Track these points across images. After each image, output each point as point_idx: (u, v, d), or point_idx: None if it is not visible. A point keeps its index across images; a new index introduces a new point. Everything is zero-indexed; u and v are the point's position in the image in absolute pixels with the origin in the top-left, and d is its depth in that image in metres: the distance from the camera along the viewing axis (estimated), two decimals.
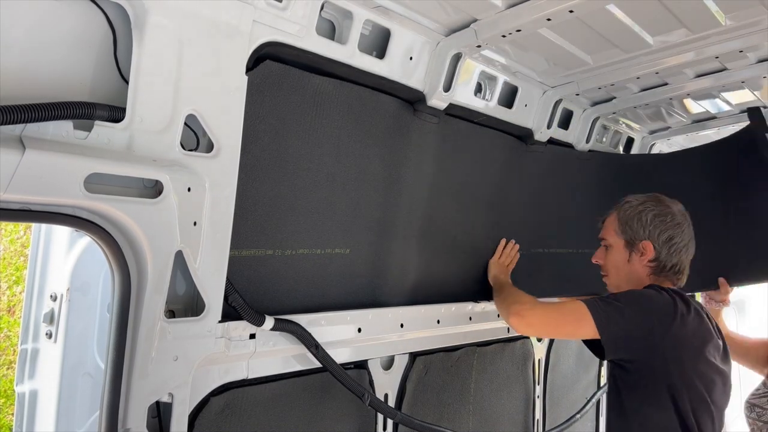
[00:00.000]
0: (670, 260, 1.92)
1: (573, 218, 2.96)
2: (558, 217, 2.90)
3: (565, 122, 2.70)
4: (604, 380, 3.47)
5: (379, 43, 1.87)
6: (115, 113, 1.30)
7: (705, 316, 1.86)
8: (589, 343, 2.07)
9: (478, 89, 2.25)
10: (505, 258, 2.61)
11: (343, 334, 1.95)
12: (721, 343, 1.87)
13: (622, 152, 3.22)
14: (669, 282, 1.95)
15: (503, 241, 2.63)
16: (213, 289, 1.53)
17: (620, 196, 2.72)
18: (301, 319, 1.79)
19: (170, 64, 1.35)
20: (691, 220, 1.98)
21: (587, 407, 3.17)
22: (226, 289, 1.56)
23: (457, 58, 1.97)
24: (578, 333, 1.90)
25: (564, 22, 1.76)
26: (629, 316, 1.76)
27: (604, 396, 3.48)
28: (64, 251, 2.50)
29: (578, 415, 3.08)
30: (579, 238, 2.94)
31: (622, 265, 2.00)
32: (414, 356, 2.26)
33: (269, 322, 1.67)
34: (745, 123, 2.97)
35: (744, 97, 2.72)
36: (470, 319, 2.47)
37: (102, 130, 1.28)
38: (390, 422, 2.17)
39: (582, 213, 2.96)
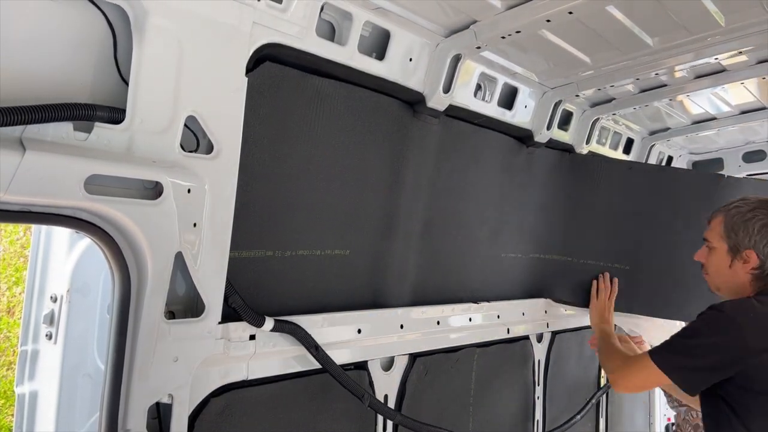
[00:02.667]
0: None
1: (574, 223, 2.95)
2: (558, 221, 2.90)
3: (565, 123, 2.70)
4: (604, 381, 3.47)
5: (378, 44, 1.87)
6: (115, 115, 1.30)
7: None
8: None
9: (478, 90, 2.25)
10: (602, 297, 2.68)
11: (343, 335, 1.95)
12: None
13: (621, 152, 3.22)
14: None
15: (595, 282, 2.73)
16: (213, 291, 1.53)
17: (620, 201, 2.75)
18: (301, 320, 1.79)
19: (170, 66, 1.35)
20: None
21: (587, 408, 3.16)
22: (226, 290, 1.56)
23: (457, 59, 1.97)
24: (660, 384, 1.99)
25: (563, 23, 1.76)
26: (695, 353, 1.77)
27: (604, 396, 3.49)
28: (64, 252, 2.50)
29: (578, 416, 3.07)
30: (581, 246, 2.91)
31: (724, 269, 1.98)
32: (414, 357, 2.26)
33: (269, 323, 1.67)
34: (744, 124, 2.99)
35: (744, 97, 2.72)
36: (470, 319, 2.47)
37: (102, 131, 1.28)
38: (390, 423, 2.17)
39: (583, 218, 2.95)
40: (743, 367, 1.71)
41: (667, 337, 1.90)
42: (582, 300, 2.80)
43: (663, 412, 3.99)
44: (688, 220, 2.77)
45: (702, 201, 2.75)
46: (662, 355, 1.83)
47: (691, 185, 2.85)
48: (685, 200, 2.84)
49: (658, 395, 3.93)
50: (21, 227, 6.27)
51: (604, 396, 3.49)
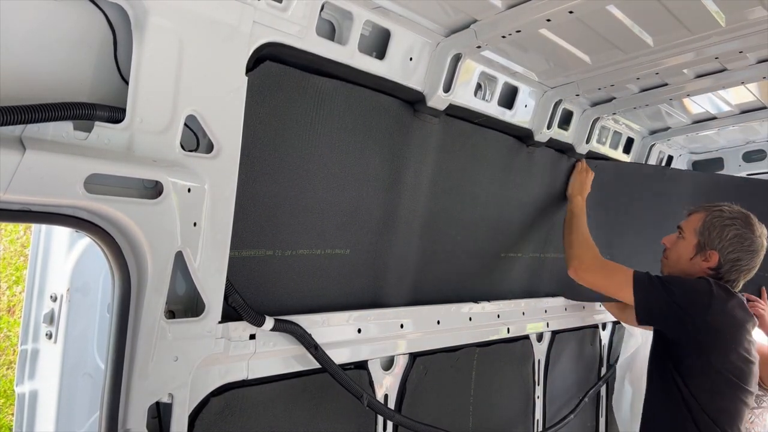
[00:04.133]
0: (728, 276, 2.08)
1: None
2: (558, 220, 2.90)
3: (565, 123, 2.70)
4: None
5: (379, 43, 1.87)
6: (115, 114, 1.30)
7: (749, 311, 2.03)
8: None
9: (478, 90, 2.25)
10: (585, 171, 2.76)
11: (343, 334, 1.95)
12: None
13: (622, 152, 3.22)
14: None
15: (579, 164, 2.80)
16: (213, 290, 1.53)
17: (619, 201, 2.81)
18: (301, 319, 1.79)
19: (170, 65, 1.35)
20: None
21: (580, 406, 3.16)
22: (226, 290, 1.56)
23: (457, 58, 1.97)
24: (619, 296, 2.16)
25: (564, 22, 1.76)
26: (667, 295, 1.97)
27: (604, 396, 3.49)
28: (64, 252, 2.49)
29: (572, 416, 3.07)
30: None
31: (684, 259, 2.15)
32: (414, 357, 2.26)
33: (269, 322, 1.67)
34: (744, 123, 2.99)
35: (744, 97, 2.72)
36: (470, 319, 2.47)
37: (102, 130, 1.28)
38: (390, 423, 2.17)
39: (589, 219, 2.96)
40: (694, 329, 1.94)
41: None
42: (595, 296, 2.79)
43: None
44: (650, 210, 3.03)
45: (655, 193, 3.05)
46: (643, 277, 2.05)
47: (645, 178, 3.08)
48: (642, 191, 3.05)
49: None
50: (21, 226, 6.27)
51: (605, 396, 3.50)
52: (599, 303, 3.24)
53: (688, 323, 1.95)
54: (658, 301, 2.00)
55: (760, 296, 2.82)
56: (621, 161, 3.19)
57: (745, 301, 2.06)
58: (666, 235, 2.30)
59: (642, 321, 2.11)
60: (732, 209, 2.13)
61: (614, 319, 3.47)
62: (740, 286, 2.14)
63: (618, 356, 3.43)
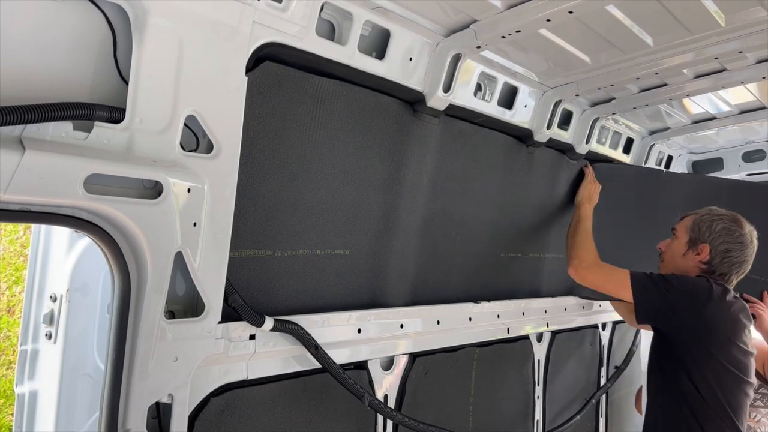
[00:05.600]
0: (720, 269, 2.16)
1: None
2: (557, 221, 2.90)
3: (565, 123, 2.70)
4: (604, 381, 3.47)
5: (378, 43, 1.87)
6: (115, 114, 1.30)
7: (746, 306, 2.11)
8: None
9: (478, 90, 2.25)
10: (593, 181, 2.84)
11: (342, 334, 1.95)
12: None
13: (621, 152, 3.22)
14: None
15: (587, 170, 2.90)
16: (213, 290, 1.53)
17: (619, 203, 2.83)
18: (301, 319, 1.79)
19: (170, 65, 1.35)
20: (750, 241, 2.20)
21: (586, 407, 3.16)
22: (225, 290, 1.56)
23: (457, 58, 1.97)
24: (619, 294, 2.21)
25: (563, 22, 1.76)
26: (666, 291, 2.04)
27: (604, 396, 3.49)
28: (64, 252, 2.49)
29: (578, 416, 3.07)
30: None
31: (678, 256, 2.26)
32: (414, 357, 2.26)
33: (269, 322, 1.67)
34: (744, 123, 2.99)
35: (744, 97, 2.72)
36: (470, 319, 2.47)
37: (102, 130, 1.28)
38: (390, 423, 2.16)
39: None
40: (690, 329, 2.01)
41: None
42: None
43: None
44: (642, 212, 3.07)
45: (650, 195, 3.10)
46: (640, 276, 2.11)
47: (643, 181, 3.11)
48: (641, 195, 3.10)
49: None
50: (21, 226, 6.26)
51: (604, 396, 3.50)
52: (599, 303, 3.25)
53: (687, 318, 2.01)
54: (657, 298, 2.06)
55: (761, 299, 2.84)
56: (622, 164, 3.19)
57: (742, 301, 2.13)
58: (661, 241, 2.40)
59: (641, 320, 2.14)
60: (720, 209, 2.25)
61: (614, 319, 3.47)
62: (734, 283, 2.19)
63: (626, 358, 3.45)
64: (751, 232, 2.19)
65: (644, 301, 2.09)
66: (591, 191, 2.82)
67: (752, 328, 2.18)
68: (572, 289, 3.07)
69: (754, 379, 2.10)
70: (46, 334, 2.46)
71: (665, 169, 3.51)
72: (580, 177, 2.94)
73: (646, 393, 2.27)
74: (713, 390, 1.99)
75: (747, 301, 2.55)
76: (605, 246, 3.07)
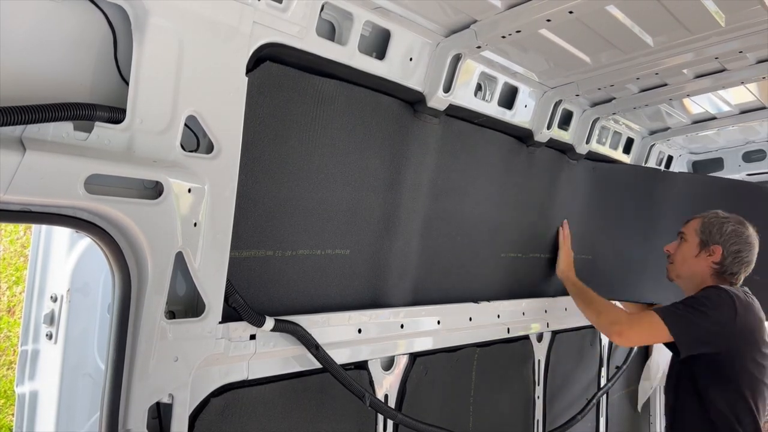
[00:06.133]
0: (731, 268, 2.27)
1: (574, 222, 2.97)
2: (557, 221, 2.90)
3: (565, 123, 2.70)
4: (604, 381, 3.47)
5: (379, 44, 1.87)
6: (116, 114, 1.30)
7: (758, 308, 2.19)
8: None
9: (478, 90, 2.25)
10: (568, 245, 2.88)
11: (343, 334, 1.95)
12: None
13: (621, 152, 3.22)
14: (726, 283, 2.27)
15: (561, 230, 2.90)
16: (213, 290, 1.53)
17: (617, 203, 2.84)
18: (302, 319, 1.79)
19: (170, 65, 1.35)
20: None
21: (588, 408, 3.16)
22: (226, 290, 1.56)
23: (457, 58, 1.97)
24: (660, 340, 2.23)
25: (564, 22, 1.76)
26: (697, 319, 2.08)
27: (604, 396, 3.49)
28: (65, 252, 2.50)
29: (579, 416, 3.07)
30: (580, 243, 2.97)
31: (690, 258, 2.34)
32: (414, 357, 2.26)
33: (269, 322, 1.67)
34: (744, 123, 2.99)
35: (744, 97, 2.72)
36: (470, 319, 2.47)
37: (102, 131, 1.28)
38: (390, 423, 2.16)
39: (582, 218, 2.97)
40: (731, 342, 2.07)
41: None
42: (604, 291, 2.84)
43: (663, 412, 4.00)
44: (642, 213, 3.11)
45: (645, 194, 3.12)
46: (669, 314, 2.13)
47: (635, 179, 3.13)
48: (637, 194, 3.13)
49: (659, 396, 3.93)
50: (21, 226, 6.27)
51: (604, 396, 3.50)
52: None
53: (726, 335, 2.07)
54: (697, 328, 2.09)
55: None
56: (619, 163, 3.20)
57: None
58: (667, 243, 2.48)
59: (686, 352, 2.13)
60: (724, 213, 2.36)
61: None
62: (741, 281, 2.31)
63: (625, 359, 3.46)
64: (753, 232, 2.31)
65: (686, 335, 2.11)
66: (566, 256, 2.87)
67: None
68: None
69: None
70: (47, 335, 2.46)
71: (664, 169, 3.52)
72: (581, 181, 2.97)
73: (668, 412, 2.37)
74: (744, 398, 2.08)
75: None
76: (606, 250, 3.10)
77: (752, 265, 2.30)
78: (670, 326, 2.11)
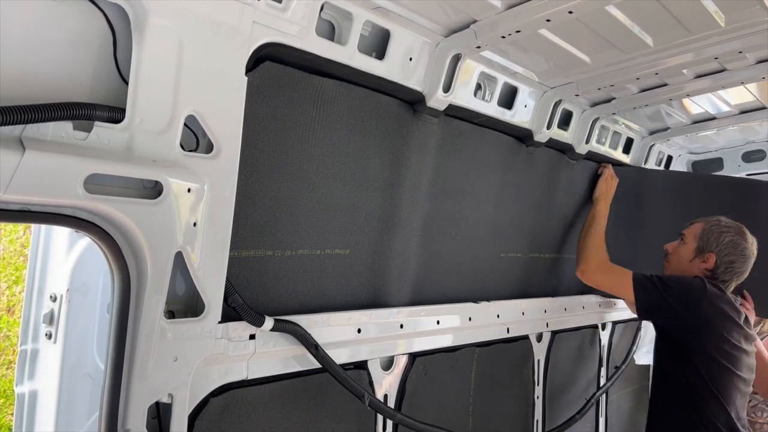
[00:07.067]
0: (723, 276, 2.36)
1: (571, 223, 2.98)
2: (557, 221, 2.90)
3: (565, 123, 2.70)
4: (603, 380, 3.47)
5: (378, 43, 1.87)
6: (115, 114, 1.30)
7: (738, 308, 2.28)
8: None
9: (478, 90, 2.25)
10: (613, 179, 2.98)
11: (342, 334, 1.95)
12: (749, 333, 2.30)
13: (621, 152, 3.22)
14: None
15: (605, 169, 3.01)
16: (213, 290, 1.53)
17: (630, 204, 2.99)
18: (301, 319, 1.79)
19: (170, 65, 1.35)
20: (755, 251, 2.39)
21: (587, 408, 3.16)
22: (225, 290, 1.56)
23: (457, 58, 1.97)
24: (622, 295, 2.58)
25: (563, 23, 1.76)
26: (661, 290, 2.24)
27: (604, 396, 3.49)
28: (64, 252, 2.50)
29: (578, 416, 3.07)
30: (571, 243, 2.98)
31: (685, 261, 2.45)
32: (414, 357, 2.26)
33: (269, 322, 1.67)
34: (744, 123, 2.99)
35: (743, 97, 2.72)
36: (470, 319, 2.47)
37: (102, 130, 1.28)
38: (389, 423, 2.16)
39: (582, 218, 2.98)
40: (691, 323, 2.19)
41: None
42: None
43: None
44: (651, 212, 3.15)
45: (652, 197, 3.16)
46: (640, 276, 2.32)
47: (660, 183, 3.17)
48: (647, 195, 3.17)
49: None
50: (21, 226, 6.27)
51: (604, 396, 3.50)
52: (599, 303, 3.25)
53: (683, 315, 2.21)
54: (657, 298, 2.26)
55: (744, 299, 2.87)
56: (638, 167, 3.23)
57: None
58: (668, 242, 2.56)
59: (641, 316, 2.41)
60: (727, 221, 2.42)
61: (614, 319, 3.48)
62: (732, 288, 2.40)
63: (625, 359, 3.46)
64: (752, 244, 2.38)
65: (644, 300, 2.30)
66: (609, 186, 2.94)
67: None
68: (572, 289, 3.08)
69: (748, 376, 2.25)
70: (46, 334, 2.46)
71: (678, 171, 3.54)
72: (596, 176, 3.02)
73: (651, 385, 2.48)
74: (702, 377, 2.18)
75: (744, 298, 2.58)
76: (617, 244, 3.08)
77: (745, 275, 2.38)
78: (635, 286, 2.29)
